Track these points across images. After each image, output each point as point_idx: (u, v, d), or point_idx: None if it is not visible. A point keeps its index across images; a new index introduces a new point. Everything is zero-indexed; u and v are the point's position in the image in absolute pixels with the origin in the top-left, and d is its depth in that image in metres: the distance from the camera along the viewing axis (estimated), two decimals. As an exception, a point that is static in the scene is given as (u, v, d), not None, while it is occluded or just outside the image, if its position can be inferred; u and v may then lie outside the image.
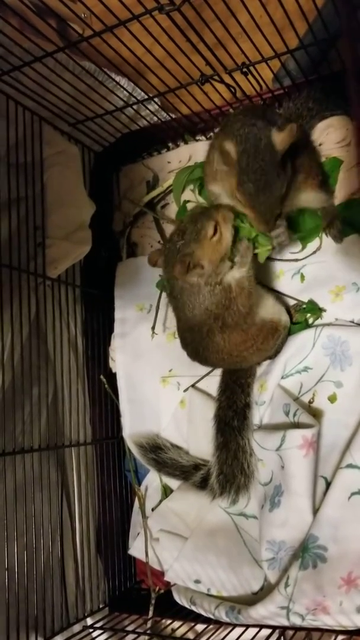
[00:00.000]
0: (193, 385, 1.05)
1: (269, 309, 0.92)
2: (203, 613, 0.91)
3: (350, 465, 0.81)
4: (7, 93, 0.95)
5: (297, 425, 0.87)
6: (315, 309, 0.96)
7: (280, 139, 0.76)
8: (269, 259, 1.01)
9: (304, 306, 0.97)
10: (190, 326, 0.89)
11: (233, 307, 0.85)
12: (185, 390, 1.05)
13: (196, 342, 0.90)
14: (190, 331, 0.90)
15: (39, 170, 1.01)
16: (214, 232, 0.81)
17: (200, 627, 0.92)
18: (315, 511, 0.83)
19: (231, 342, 0.89)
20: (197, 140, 1.14)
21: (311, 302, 0.96)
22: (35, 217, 0.99)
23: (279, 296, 0.99)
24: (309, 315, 0.97)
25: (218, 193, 0.87)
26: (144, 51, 0.89)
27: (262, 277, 1.03)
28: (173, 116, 1.08)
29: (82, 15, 0.93)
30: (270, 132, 0.76)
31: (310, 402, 0.93)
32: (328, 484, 0.85)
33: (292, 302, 0.99)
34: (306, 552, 0.80)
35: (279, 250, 0.96)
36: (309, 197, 0.91)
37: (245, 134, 0.77)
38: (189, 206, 1.08)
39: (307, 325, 0.96)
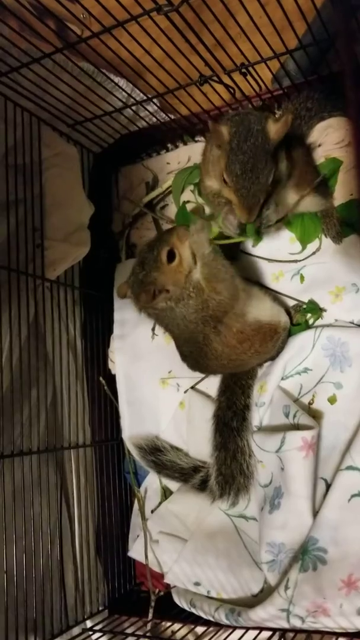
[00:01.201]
0: (193, 387, 1.04)
1: (266, 311, 0.91)
2: (203, 615, 0.91)
3: (350, 467, 0.81)
4: (5, 94, 0.94)
5: (296, 427, 0.87)
6: (315, 309, 0.95)
7: (275, 128, 0.76)
8: (268, 260, 1.02)
9: (304, 306, 0.97)
10: (186, 339, 0.89)
11: (211, 302, 0.84)
12: (185, 392, 1.05)
13: (195, 353, 0.90)
14: (187, 344, 0.90)
15: (37, 171, 1.00)
16: (172, 257, 0.83)
17: (200, 629, 0.91)
18: (315, 513, 0.83)
19: (229, 345, 0.88)
20: (196, 141, 1.14)
21: (311, 302, 0.96)
22: (34, 218, 0.98)
23: (277, 297, 0.98)
24: (309, 315, 0.97)
25: (212, 186, 0.86)
26: (142, 52, 0.89)
27: (261, 277, 1.03)
28: (172, 117, 1.08)
29: (81, 15, 0.93)
30: (266, 120, 0.77)
31: (310, 404, 0.93)
32: (328, 486, 0.85)
33: (291, 303, 0.99)
34: (306, 555, 0.80)
35: (265, 234, 0.91)
36: (306, 202, 0.91)
37: (240, 119, 0.78)
38: (189, 207, 1.08)
39: (307, 326, 0.96)
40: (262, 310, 0.91)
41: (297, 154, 0.87)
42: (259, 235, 0.86)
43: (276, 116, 0.81)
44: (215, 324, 0.86)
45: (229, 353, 0.89)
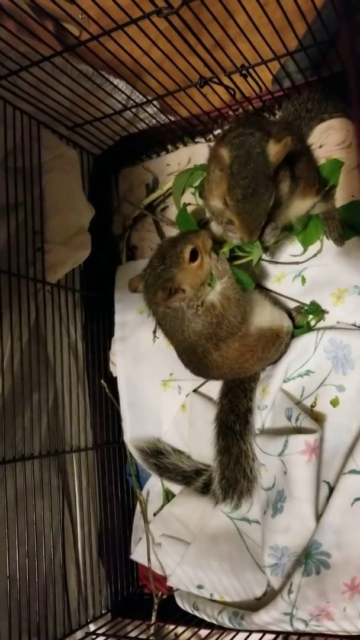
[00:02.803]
0: (195, 390, 1.04)
1: (266, 317, 0.91)
2: (206, 618, 0.91)
3: (353, 471, 0.80)
4: (5, 97, 0.94)
5: (299, 430, 0.87)
6: (317, 310, 0.95)
7: (275, 150, 0.77)
8: (269, 261, 1.01)
9: (306, 308, 0.96)
10: (185, 348, 0.89)
11: (224, 321, 0.84)
12: (187, 395, 1.05)
13: (195, 361, 0.90)
14: (186, 352, 0.89)
15: (37, 174, 1.00)
16: (194, 257, 0.82)
17: (203, 632, 0.91)
18: (318, 517, 0.83)
19: (229, 358, 0.88)
20: (196, 143, 1.13)
21: (313, 304, 0.96)
22: (34, 222, 0.98)
23: (278, 301, 0.98)
24: (311, 317, 0.96)
25: (216, 206, 0.87)
26: (141, 53, 0.88)
27: (261, 280, 1.02)
28: (172, 118, 1.07)
29: (80, 16, 0.92)
30: (266, 143, 0.77)
31: (312, 406, 0.92)
32: (331, 489, 0.85)
33: (292, 306, 0.99)
34: (309, 559, 0.80)
35: (267, 252, 0.95)
36: (307, 205, 0.91)
37: (241, 142, 0.78)
38: (189, 209, 1.07)
39: (309, 328, 0.96)
40: (262, 316, 0.90)
41: (300, 167, 0.87)
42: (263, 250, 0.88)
43: (275, 131, 0.81)
44: (218, 341, 0.85)
45: (230, 363, 0.89)
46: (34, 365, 0.97)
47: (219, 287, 0.84)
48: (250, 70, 0.93)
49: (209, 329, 0.84)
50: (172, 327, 0.87)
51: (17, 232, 0.95)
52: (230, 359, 0.88)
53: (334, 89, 0.97)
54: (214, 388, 1.02)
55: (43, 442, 0.98)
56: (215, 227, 0.92)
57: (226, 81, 0.95)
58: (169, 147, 1.16)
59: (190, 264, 0.81)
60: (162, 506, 1.06)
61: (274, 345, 0.90)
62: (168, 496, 1.07)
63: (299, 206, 0.92)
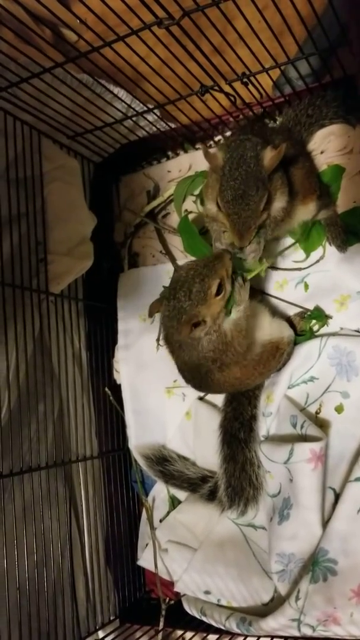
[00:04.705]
0: (201, 398, 1.04)
1: (266, 330, 0.90)
2: (214, 624, 0.92)
3: (359, 479, 0.81)
4: (5, 108, 0.94)
5: (304, 438, 0.87)
6: (321, 315, 0.95)
7: (269, 155, 0.77)
8: (272, 268, 1.02)
9: (309, 313, 0.97)
10: (189, 367, 0.88)
11: (230, 349, 0.84)
12: (191, 403, 1.05)
13: (196, 379, 0.90)
14: (189, 371, 0.89)
15: (39, 185, 1.00)
16: (220, 290, 0.81)
17: (212, 637, 0.92)
18: (325, 523, 0.84)
19: (231, 377, 0.88)
20: (196, 149, 1.13)
21: (317, 309, 0.96)
22: (36, 233, 0.98)
23: (277, 311, 0.98)
24: (314, 322, 0.96)
25: (211, 210, 0.87)
26: (139, 60, 0.87)
27: (264, 286, 1.02)
28: (172, 126, 1.07)
29: (77, 22, 0.92)
30: (262, 148, 0.78)
31: (317, 413, 0.93)
32: (337, 495, 0.86)
33: (295, 311, 0.99)
34: (316, 566, 0.80)
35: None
36: (310, 211, 0.91)
37: (236, 145, 0.79)
38: (191, 216, 1.07)
39: (312, 334, 0.96)
40: (262, 329, 0.90)
41: (301, 173, 0.87)
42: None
43: (276, 139, 0.82)
44: (221, 365, 0.85)
45: (232, 382, 0.89)
46: (39, 376, 0.97)
47: (234, 315, 0.84)
48: (251, 77, 0.92)
49: (216, 353, 0.84)
50: (181, 349, 0.86)
51: (20, 243, 0.94)
52: (232, 377, 0.88)
53: (335, 95, 0.97)
54: (218, 395, 1.03)
55: (49, 452, 0.99)
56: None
57: (227, 88, 0.95)
58: (170, 153, 1.16)
59: (215, 297, 0.81)
60: (168, 512, 1.07)
61: (274, 359, 0.90)
62: (174, 502, 1.07)
63: (301, 212, 0.92)
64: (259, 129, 0.92)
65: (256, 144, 0.78)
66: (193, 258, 1.07)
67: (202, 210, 1.06)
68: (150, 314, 0.88)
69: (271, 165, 0.78)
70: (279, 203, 0.84)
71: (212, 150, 0.82)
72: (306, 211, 0.92)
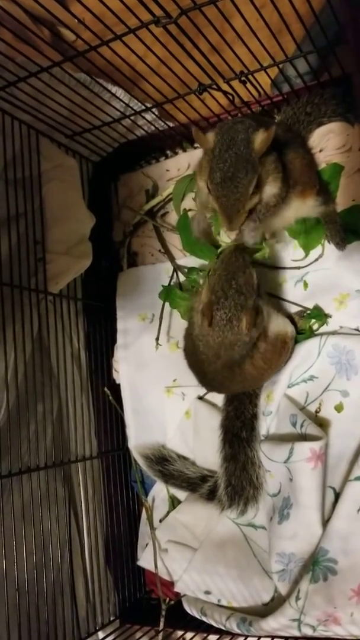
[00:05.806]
0: (201, 398, 1.04)
1: (272, 323, 0.90)
2: (214, 624, 0.92)
3: (359, 478, 0.81)
4: (2, 108, 0.93)
5: (304, 437, 0.87)
6: (320, 314, 0.95)
7: (260, 138, 0.76)
8: (271, 266, 1.01)
9: (308, 312, 0.96)
10: (223, 370, 0.88)
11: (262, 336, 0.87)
12: (191, 402, 1.05)
13: (227, 380, 0.90)
14: (221, 373, 0.89)
15: (37, 184, 0.99)
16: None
17: (212, 637, 0.92)
18: (325, 523, 0.83)
19: (257, 367, 0.88)
20: (195, 148, 1.13)
21: (316, 308, 0.95)
22: (35, 232, 0.98)
23: (281, 308, 0.98)
24: (313, 321, 0.96)
25: (202, 196, 0.86)
26: (136, 59, 0.87)
27: (264, 284, 1.02)
28: (171, 125, 1.07)
29: (75, 21, 0.92)
30: (253, 131, 0.77)
31: (316, 412, 0.93)
32: (336, 495, 0.85)
33: (294, 310, 0.99)
34: (316, 566, 0.80)
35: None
36: (307, 207, 0.90)
37: (228, 127, 0.78)
38: (190, 214, 1.07)
39: (312, 333, 0.96)
40: (271, 320, 0.90)
41: (299, 167, 0.87)
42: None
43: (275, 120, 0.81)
44: (252, 355, 0.87)
45: (254, 375, 0.89)
46: (38, 376, 0.97)
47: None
48: (249, 76, 0.92)
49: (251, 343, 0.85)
50: (218, 354, 0.86)
51: (18, 243, 0.94)
52: (257, 368, 0.89)
53: (334, 94, 0.97)
54: (218, 395, 1.02)
55: (48, 452, 0.98)
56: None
57: (225, 87, 0.95)
58: (168, 152, 1.16)
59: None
60: (168, 512, 1.06)
61: (284, 351, 0.90)
62: (173, 502, 1.07)
63: (299, 208, 0.91)
64: (257, 117, 0.91)
65: (248, 127, 0.77)
66: (192, 256, 1.07)
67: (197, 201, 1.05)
68: (206, 320, 0.84)
69: (261, 148, 0.77)
70: (272, 188, 0.82)
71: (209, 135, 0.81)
72: (304, 207, 0.91)
